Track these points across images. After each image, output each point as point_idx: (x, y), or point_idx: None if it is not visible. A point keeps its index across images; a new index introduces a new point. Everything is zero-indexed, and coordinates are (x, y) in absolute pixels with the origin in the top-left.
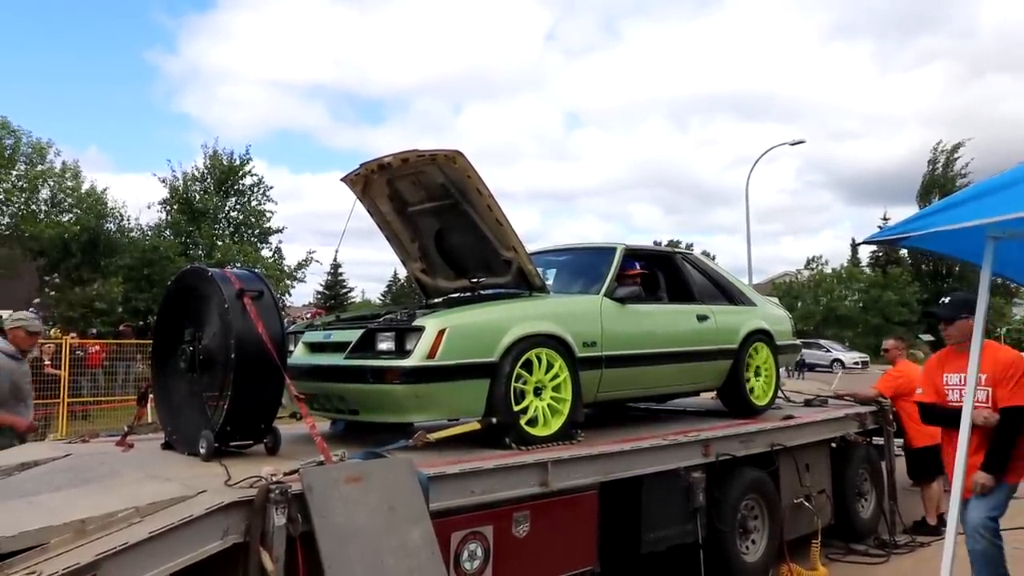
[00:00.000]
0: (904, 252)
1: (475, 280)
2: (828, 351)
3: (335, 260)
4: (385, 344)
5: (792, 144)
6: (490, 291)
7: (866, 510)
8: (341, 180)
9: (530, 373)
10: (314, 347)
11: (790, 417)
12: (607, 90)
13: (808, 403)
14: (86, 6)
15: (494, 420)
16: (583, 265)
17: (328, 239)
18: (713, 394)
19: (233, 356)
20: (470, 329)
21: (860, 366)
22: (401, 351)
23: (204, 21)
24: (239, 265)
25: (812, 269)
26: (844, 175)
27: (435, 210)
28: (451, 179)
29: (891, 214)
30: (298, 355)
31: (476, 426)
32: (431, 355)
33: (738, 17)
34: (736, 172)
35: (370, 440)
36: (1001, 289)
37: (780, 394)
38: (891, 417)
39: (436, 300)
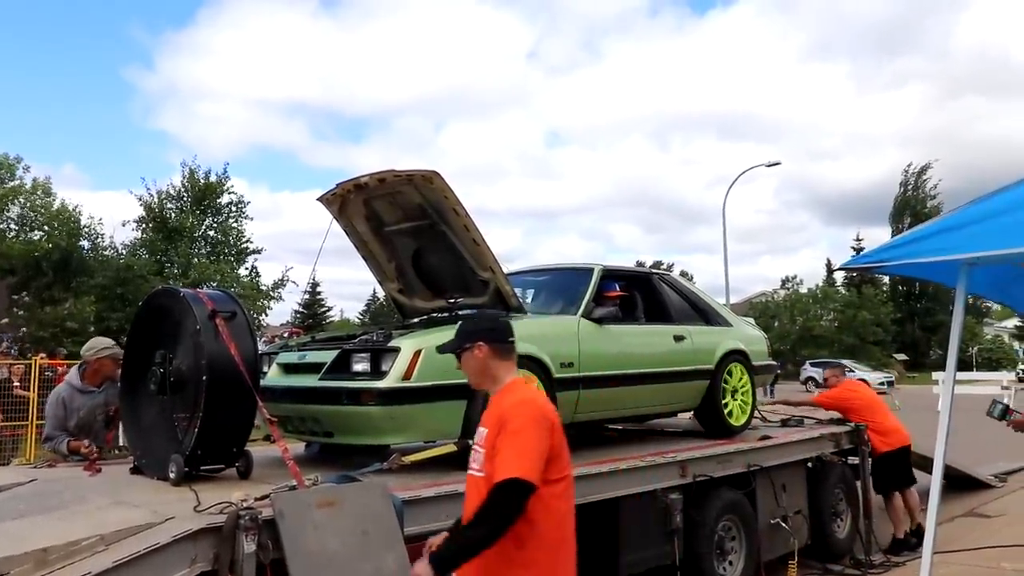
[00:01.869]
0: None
1: (452, 300)
2: (851, 371)
3: (312, 279)
4: (360, 365)
5: (768, 166)
6: (467, 311)
7: (842, 530)
8: (317, 200)
9: None
10: (288, 368)
11: (767, 437)
12: (589, 108)
13: (784, 423)
14: (60, 21)
15: (471, 442)
16: (561, 285)
17: (308, 257)
18: (690, 414)
19: (205, 378)
20: None
21: (886, 386)
22: (377, 372)
23: (182, 38)
24: (215, 284)
25: (788, 289)
26: (822, 195)
27: (412, 230)
28: (428, 199)
29: (864, 235)
30: (272, 376)
31: (453, 448)
32: (407, 376)
33: (718, 37)
34: (716, 191)
35: (345, 463)
36: (972, 309)
37: (756, 414)
38: (865, 437)
39: (413, 320)
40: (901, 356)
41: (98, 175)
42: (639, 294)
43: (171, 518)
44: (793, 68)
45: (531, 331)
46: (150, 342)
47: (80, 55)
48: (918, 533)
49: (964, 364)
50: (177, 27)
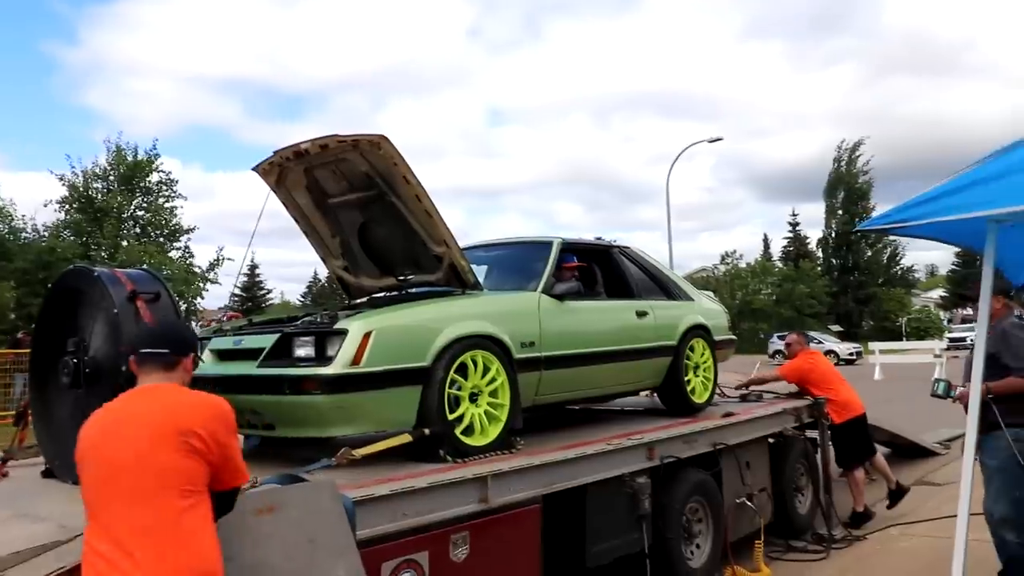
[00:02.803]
0: (813, 246)
1: (403, 278)
2: (820, 343)
3: (251, 260)
4: (304, 350)
5: (710, 141)
6: (420, 290)
7: (803, 505)
8: (252, 169)
9: (465, 378)
10: (223, 355)
11: (730, 414)
12: (530, 87)
13: (744, 398)
14: None
15: (427, 431)
16: (519, 260)
17: (244, 238)
18: (648, 392)
19: (125, 368)
20: (399, 331)
21: (855, 356)
22: (322, 357)
23: (108, 11)
24: (145, 266)
25: (728, 264)
26: (758, 172)
27: (358, 202)
28: (375, 167)
29: (800, 210)
30: (205, 364)
31: (407, 438)
32: (356, 361)
33: (657, 17)
34: (656, 169)
35: (288, 458)
36: (901, 280)
37: (717, 391)
38: (824, 410)
39: (360, 300)
40: (836, 327)
41: (18, 155)
42: (599, 268)
43: (80, 535)
44: (731, 47)
45: (489, 309)
46: (62, 329)
47: None
48: (899, 492)
49: (894, 334)
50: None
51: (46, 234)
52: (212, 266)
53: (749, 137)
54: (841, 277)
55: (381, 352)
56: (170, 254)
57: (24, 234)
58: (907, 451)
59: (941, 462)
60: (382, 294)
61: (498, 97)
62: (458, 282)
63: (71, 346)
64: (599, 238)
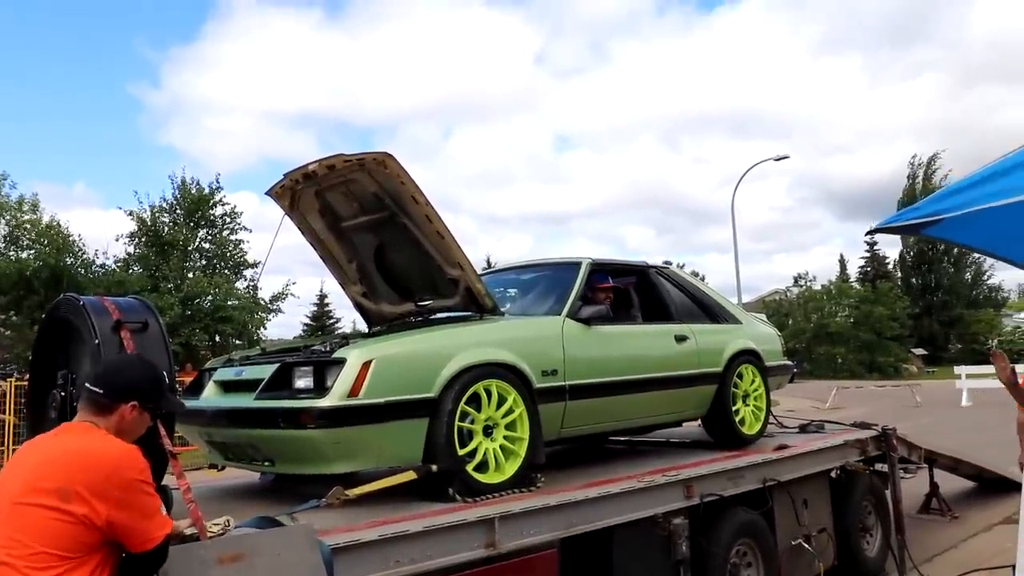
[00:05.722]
0: (892, 266)
1: (421, 303)
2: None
3: (320, 290)
4: (303, 381)
5: (776, 160)
6: (441, 315)
7: (871, 547)
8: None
9: (478, 409)
10: (226, 386)
11: (784, 447)
12: (598, 111)
13: (803, 429)
14: (64, 41)
15: (434, 467)
16: (544, 283)
17: (318, 270)
18: (699, 422)
19: None
20: (402, 360)
21: None
22: (320, 388)
23: (188, 52)
24: (210, 298)
25: (801, 286)
26: (836, 191)
27: (371, 224)
28: (384, 187)
29: None
30: (207, 395)
31: (411, 475)
32: (354, 392)
33: (727, 35)
34: (727, 191)
35: (300, 495)
36: (988, 301)
37: (771, 420)
38: (893, 442)
39: (378, 328)
40: (919, 351)
41: (108, 193)
42: (634, 290)
43: None
44: (804, 63)
45: (505, 335)
46: (52, 361)
47: (87, 73)
48: None
49: (984, 358)
50: (183, 42)
51: (116, 268)
52: (276, 297)
53: (826, 155)
54: (923, 298)
55: (382, 382)
56: (236, 284)
57: (95, 267)
58: (996, 484)
59: None
60: (401, 320)
61: (565, 122)
62: (475, 306)
63: (60, 379)
64: (667, 261)
